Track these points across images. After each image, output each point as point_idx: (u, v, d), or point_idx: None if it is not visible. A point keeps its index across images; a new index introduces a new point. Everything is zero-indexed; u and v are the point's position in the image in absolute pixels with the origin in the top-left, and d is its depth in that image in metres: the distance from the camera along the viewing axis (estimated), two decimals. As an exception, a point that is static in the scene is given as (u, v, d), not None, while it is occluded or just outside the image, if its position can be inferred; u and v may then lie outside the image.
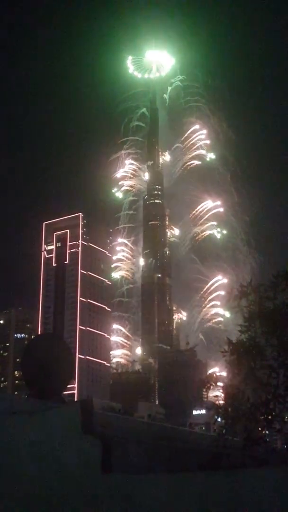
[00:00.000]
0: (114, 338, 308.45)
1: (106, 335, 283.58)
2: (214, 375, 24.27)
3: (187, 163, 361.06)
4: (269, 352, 20.60)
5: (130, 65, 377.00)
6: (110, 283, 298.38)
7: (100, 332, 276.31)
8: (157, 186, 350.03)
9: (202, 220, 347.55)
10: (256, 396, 20.64)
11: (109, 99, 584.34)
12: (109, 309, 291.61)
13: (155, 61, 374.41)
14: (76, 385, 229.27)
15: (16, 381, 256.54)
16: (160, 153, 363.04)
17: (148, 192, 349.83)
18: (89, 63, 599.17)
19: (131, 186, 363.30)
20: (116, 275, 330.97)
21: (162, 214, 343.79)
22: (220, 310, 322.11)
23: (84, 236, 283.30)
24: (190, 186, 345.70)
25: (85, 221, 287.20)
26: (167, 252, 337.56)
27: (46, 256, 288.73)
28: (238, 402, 20.71)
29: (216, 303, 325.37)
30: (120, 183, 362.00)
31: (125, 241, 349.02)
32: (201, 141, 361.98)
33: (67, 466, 14.82)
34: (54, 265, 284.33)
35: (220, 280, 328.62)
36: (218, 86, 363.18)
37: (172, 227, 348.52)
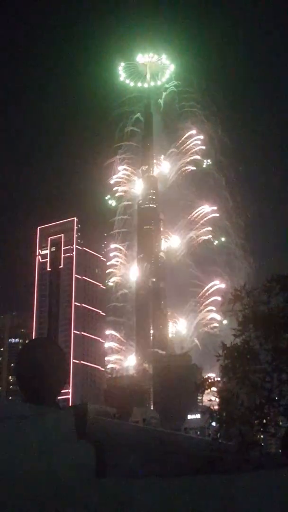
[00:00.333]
0: (108, 344, 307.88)
1: (100, 340, 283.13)
2: (209, 380, 24.18)
3: (182, 168, 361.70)
4: (263, 356, 20.62)
5: (122, 72, 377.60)
6: (104, 287, 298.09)
7: (95, 337, 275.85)
8: (151, 191, 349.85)
9: (198, 225, 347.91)
10: (251, 400, 20.64)
11: (103, 104, 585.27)
12: (104, 314, 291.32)
13: (149, 67, 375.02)
14: (70, 390, 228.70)
15: (10, 386, 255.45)
16: (154, 158, 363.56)
17: (142, 197, 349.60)
18: (83, 68, 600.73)
19: (125, 192, 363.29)
20: (110, 280, 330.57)
21: (157, 219, 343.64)
22: (216, 315, 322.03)
23: (79, 240, 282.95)
24: (185, 191, 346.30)
25: (79, 225, 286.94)
26: (162, 257, 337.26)
27: (41, 260, 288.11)
28: (232, 406, 20.70)
29: (212, 308, 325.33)
30: (114, 188, 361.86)
31: (119, 246, 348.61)
32: (196, 147, 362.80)
33: (61, 471, 14.79)
34: (48, 269, 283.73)
35: (216, 285, 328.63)
36: (212, 92, 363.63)
37: (167, 232, 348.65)
